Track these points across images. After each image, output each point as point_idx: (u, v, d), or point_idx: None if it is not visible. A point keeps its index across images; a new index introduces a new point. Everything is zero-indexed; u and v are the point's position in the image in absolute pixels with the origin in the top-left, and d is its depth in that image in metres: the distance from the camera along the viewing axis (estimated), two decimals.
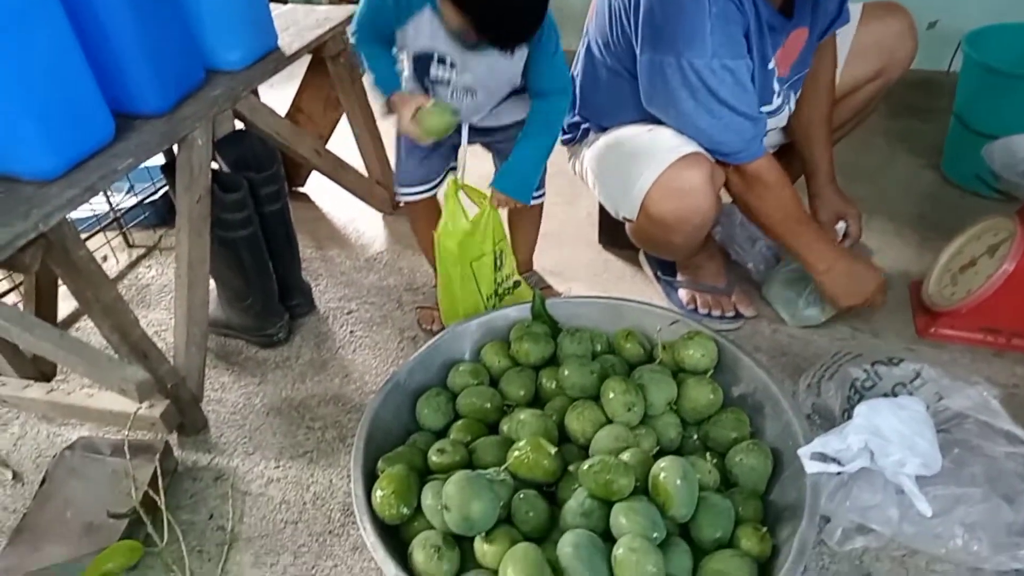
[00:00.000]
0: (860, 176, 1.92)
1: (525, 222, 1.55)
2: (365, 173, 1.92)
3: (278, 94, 1.91)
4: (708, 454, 1.11)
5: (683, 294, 1.56)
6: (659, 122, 1.32)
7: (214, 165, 1.35)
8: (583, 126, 1.49)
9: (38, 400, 1.34)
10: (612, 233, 1.70)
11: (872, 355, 1.24)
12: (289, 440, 1.33)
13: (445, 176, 1.42)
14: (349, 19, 1.68)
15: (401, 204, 1.50)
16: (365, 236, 1.88)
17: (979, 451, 1.09)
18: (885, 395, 1.17)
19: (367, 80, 1.26)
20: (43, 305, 1.41)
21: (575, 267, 1.72)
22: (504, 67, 1.20)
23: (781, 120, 1.44)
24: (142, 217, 1.89)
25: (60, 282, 1.34)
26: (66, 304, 1.54)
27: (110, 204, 1.80)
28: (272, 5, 1.48)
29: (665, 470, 0.97)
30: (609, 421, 1.12)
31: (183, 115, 1.25)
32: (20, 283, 1.51)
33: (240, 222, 1.37)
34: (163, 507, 1.14)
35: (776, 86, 1.34)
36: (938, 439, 1.04)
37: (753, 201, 1.33)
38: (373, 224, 1.92)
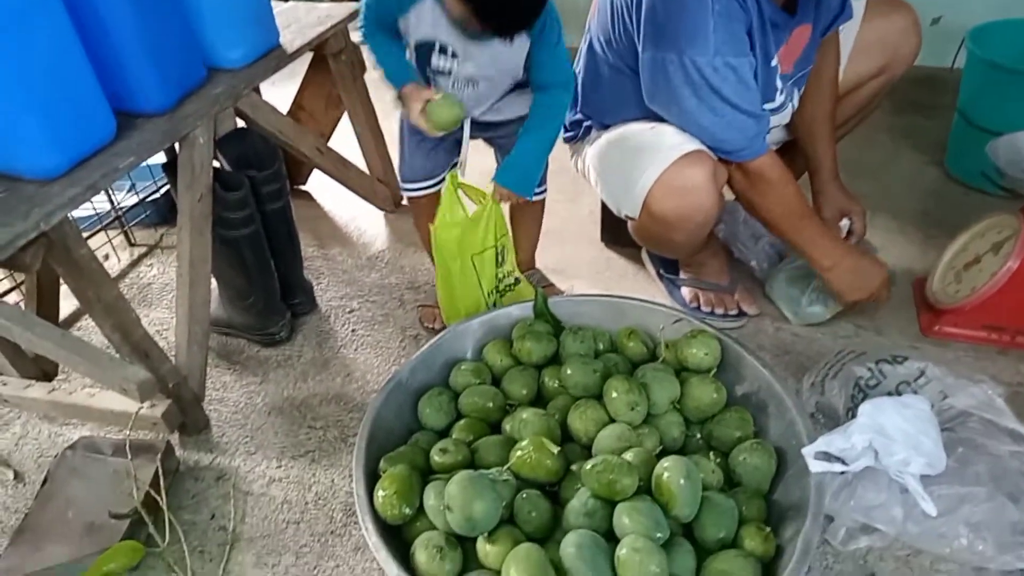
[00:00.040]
0: (863, 173, 1.91)
1: (527, 219, 1.55)
2: (367, 171, 1.91)
3: (279, 92, 1.91)
4: (711, 453, 1.10)
5: (686, 292, 1.56)
6: (661, 120, 1.31)
7: (215, 163, 1.35)
8: (585, 124, 1.49)
9: (40, 400, 1.33)
10: (614, 231, 1.69)
11: (876, 353, 1.23)
12: (291, 440, 1.32)
13: (453, 165, 1.42)
14: (351, 16, 1.68)
15: (405, 200, 1.51)
16: (367, 234, 1.87)
17: (983, 450, 1.09)
18: (889, 394, 1.16)
19: (378, 74, 1.26)
20: (44, 304, 1.41)
21: (577, 265, 1.71)
22: (506, 57, 1.20)
23: (784, 117, 1.43)
24: (143, 216, 1.88)
25: (61, 281, 1.34)
26: (67, 303, 1.54)
27: (112, 202, 1.80)
28: (273, 2, 1.47)
29: (668, 470, 0.97)
30: (612, 420, 1.11)
31: (184, 113, 1.24)
32: (22, 282, 1.51)
33: (242, 220, 1.37)
34: (165, 507, 1.14)
35: (779, 83, 1.33)
36: (942, 438, 1.04)
37: (756, 199, 1.33)
38: (375, 222, 1.91)
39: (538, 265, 1.66)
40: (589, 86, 1.44)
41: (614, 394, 1.11)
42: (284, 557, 1.13)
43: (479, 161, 1.39)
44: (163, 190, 1.90)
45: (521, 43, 1.18)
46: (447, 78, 1.24)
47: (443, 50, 1.20)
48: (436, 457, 1.07)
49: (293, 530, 1.17)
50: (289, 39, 1.53)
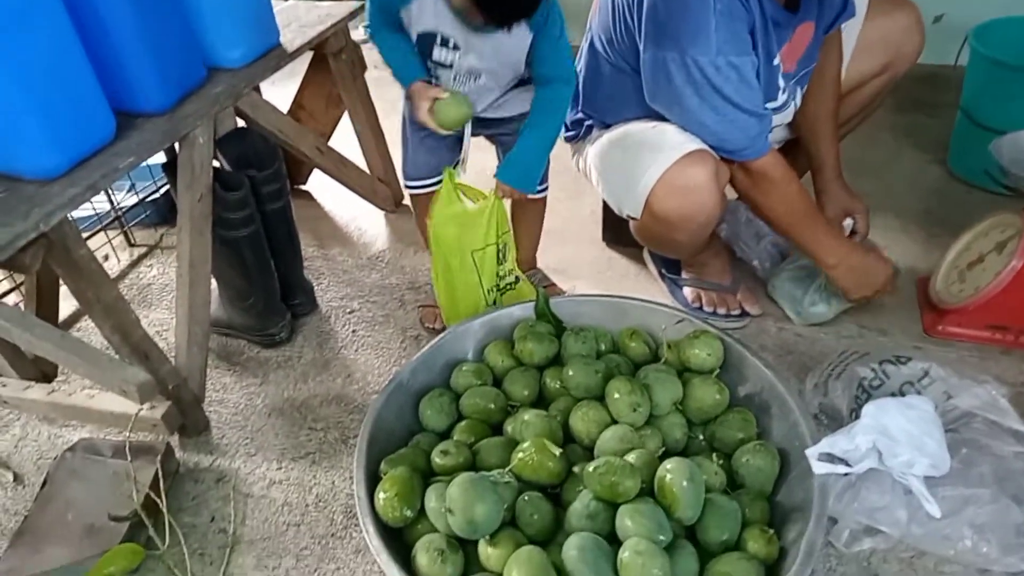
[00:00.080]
0: (865, 171, 1.90)
1: (528, 217, 1.54)
2: (367, 171, 1.91)
3: (280, 91, 1.90)
4: (714, 455, 1.09)
5: (688, 292, 1.55)
6: (663, 119, 1.30)
7: (215, 163, 1.34)
8: (586, 123, 1.48)
9: (39, 401, 1.33)
10: (616, 230, 1.69)
11: (880, 354, 1.23)
12: (291, 441, 1.32)
13: (455, 169, 1.42)
14: (351, 15, 1.68)
15: (406, 200, 1.50)
16: (367, 234, 1.86)
17: (988, 451, 1.08)
18: (893, 394, 1.16)
19: (386, 72, 1.26)
20: (44, 305, 1.41)
21: (579, 265, 1.71)
22: (508, 49, 1.19)
23: (787, 116, 1.43)
24: (143, 216, 1.88)
25: (61, 282, 1.33)
26: (67, 304, 1.53)
27: (111, 203, 1.79)
28: (273, 1, 1.46)
29: (671, 472, 0.96)
30: (614, 421, 1.11)
31: (184, 113, 1.24)
32: (21, 283, 1.51)
33: (242, 221, 1.36)
34: (164, 510, 1.13)
35: (781, 82, 1.33)
36: (946, 439, 1.03)
37: (760, 198, 1.32)
38: (375, 222, 1.91)
39: (539, 265, 1.66)
40: (590, 85, 1.43)
41: (616, 395, 1.10)
42: (285, 560, 1.12)
43: (480, 159, 1.39)
44: (163, 190, 1.89)
45: (523, 35, 1.18)
46: (449, 71, 1.24)
47: (445, 42, 1.20)
48: (437, 459, 1.07)
49: (294, 532, 1.16)
50: (289, 38, 1.52)
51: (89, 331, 1.58)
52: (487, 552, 0.94)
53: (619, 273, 1.69)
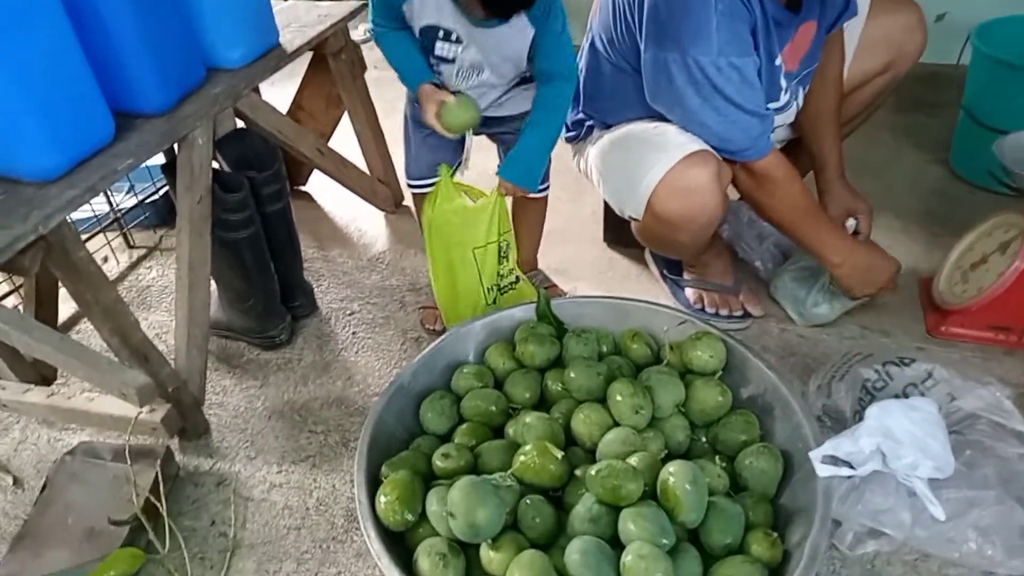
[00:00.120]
0: (867, 171, 1.89)
1: (529, 217, 1.54)
2: (367, 171, 1.90)
3: (279, 91, 1.89)
4: (717, 457, 1.09)
5: (690, 293, 1.54)
6: (664, 119, 1.30)
7: (215, 164, 1.33)
8: (587, 123, 1.48)
9: (39, 404, 1.32)
10: (617, 231, 1.68)
11: (883, 355, 1.22)
12: (291, 444, 1.31)
13: (457, 170, 1.41)
14: (351, 15, 1.67)
15: (406, 200, 1.49)
16: (367, 235, 1.86)
17: (992, 452, 1.08)
18: (896, 396, 1.15)
19: (388, 75, 1.27)
20: (43, 308, 1.40)
21: (580, 265, 1.70)
22: (510, 43, 1.19)
23: (789, 116, 1.42)
24: (142, 217, 1.87)
25: (60, 284, 1.33)
26: (66, 306, 1.53)
27: (111, 204, 1.78)
28: (273, 1, 1.46)
29: (674, 475, 0.96)
30: (616, 424, 1.10)
31: (184, 114, 1.23)
32: (20, 286, 1.50)
33: (241, 222, 1.36)
34: (165, 513, 1.13)
35: (783, 82, 1.32)
36: (950, 441, 1.03)
37: (763, 198, 1.32)
38: (375, 223, 1.90)
39: (540, 266, 1.65)
40: (591, 85, 1.43)
41: (618, 397, 1.10)
42: (285, 564, 1.12)
43: (482, 160, 1.38)
44: (162, 191, 1.89)
45: (525, 30, 1.17)
46: (452, 66, 1.24)
47: (447, 36, 1.20)
48: (438, 462, 1.06)
49: (294, 536, 1.15)
50: (289, 38, 1.52)
51: (88, 333, 1.57)
52: (489, 556, 0.94)
53: (620, 274, 1.68)
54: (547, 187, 1.48)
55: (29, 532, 1.14)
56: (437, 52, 1.23)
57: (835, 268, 1.35)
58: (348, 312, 1.61)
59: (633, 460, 1.00)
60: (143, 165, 1.19)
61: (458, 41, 1.20)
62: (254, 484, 1.24)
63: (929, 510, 0.99)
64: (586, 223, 1.80)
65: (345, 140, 1.89)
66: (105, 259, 1.77)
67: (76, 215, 1.55)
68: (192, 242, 1.27)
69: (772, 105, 1.32)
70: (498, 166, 1.33)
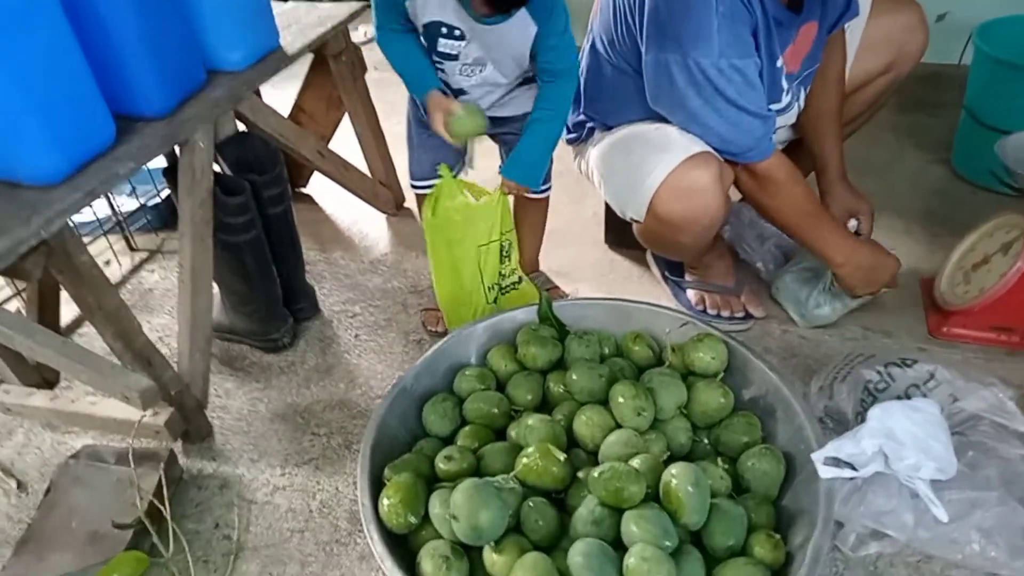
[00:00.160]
0: (868, 171, 1.89)
1: (531, 217, 1.54)
2: (368, 173, 1.90)
3: (280, 93, 1.89)
4: (719, 459, 1.09)
5: (691, 294, 1.55)
6: (665, 120, 1.30)
7: (216, 168, 1.34)
8: (588, 125, 1.48)
9: (42, 408, 1.33)
10: (619, 232, 1.68)
11: (885, 356, 1.22)
12: (294, 447, 1.31)
13: (460, 170, 1.42)
14: (351, 17, 1.67)
15: (407, 202, 1.49)
16: (369, 238, 1.86)
17: (994, 454, 1.08)
18: (898, 397, 1.15)
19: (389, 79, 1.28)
20: (46, 311, 1.40)
21: (581, 267, 1.70)
22: (513, 40, 1.20)
23: (790, 118, 1.42)
24: (145, 221, 1.87)
25: (63, 287, 1.33)
26: (69, 308, 1.53)
27: (113, 207, 1.79)
28: (273, 3, 1.46)
29: (676, 477, 0.96)
30: (618, 426, 1.10)
31: (184, 117, 1.23)
32: (23, 289, 1.50)
33: (243, 226, 1.36)
34: (168, 517, 1.13)
35: (785, 84, 1.32)
36: (953, 442, 1.03)
37: (765, 199, 1.32)
38: (377, 225, 1.90)
39: (542, 267, 1.65)
40: (592, 86, 1.43)
41: (620, 399, 1.10)
42: (289, 567, 1.12)
43: (483, 161, 1.38)
44: (164, 194, 1.89)
45: (528, 27, 1.18)
46: (455, 63, 1.24)
47: (450, 33, 1.20)
48: (441, 465, 1.06)
49: (298, 539, 1.16)
50: (289, 40, 1.52)
51: (91, 336, 1.57)
52: (492, 558, 0.94)
53: (622, 275, 1.68)
54: (549, 187, 1.48)
55: (33, 536, 1.14)
56: (440, 49, 1.24)
57: (838, 268, 1.35)
58: (350, 315, 1.61)
59: (635, 462, 1.00)
60: (145, 168, 1.19)
61: (461, 37, 1.21)
62: (257, 487, 1.24)
63: (932, 511, 0.99)
64: (587, 225, 1.81)
65: (346, 142, 1.89)
66: (107, 262, 1.77)
67: (78, 218, 1.56)
68: (194, 246, 1.27)
69: (774, 106, 1.32)
70: (500, 166, 1.34)
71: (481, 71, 1.25)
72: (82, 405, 1.31)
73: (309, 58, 1.72)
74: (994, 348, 1.39)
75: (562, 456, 1.03)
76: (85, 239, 1.69)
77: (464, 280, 1.36)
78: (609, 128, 1.43)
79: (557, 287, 1.61)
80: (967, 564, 1.02)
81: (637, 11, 1.22)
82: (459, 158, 1.41)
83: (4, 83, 0.98)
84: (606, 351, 1.25)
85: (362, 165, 1.88)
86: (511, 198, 1.38)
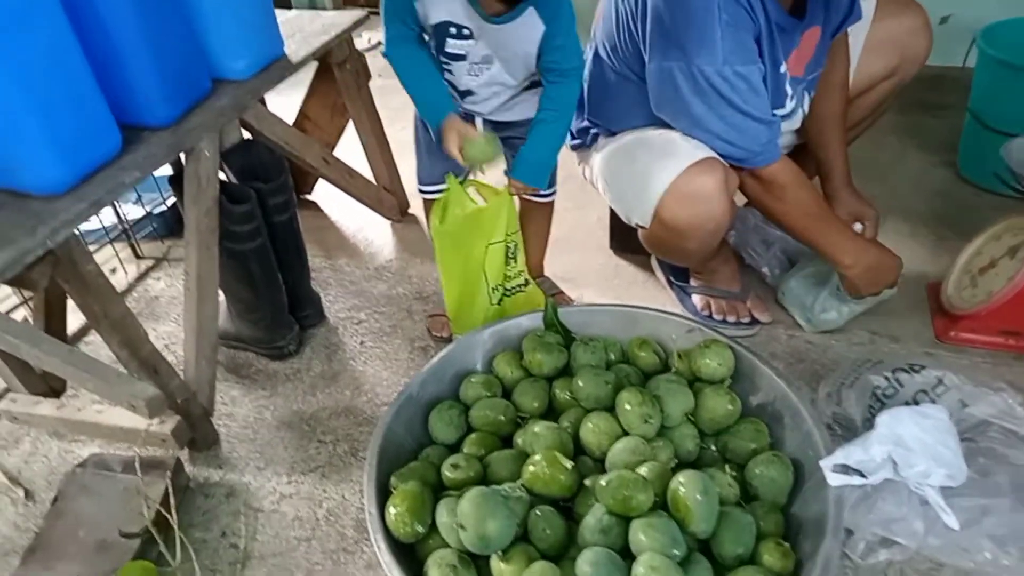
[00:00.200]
0: (872, 174, 1.89)
1: (536, 222, 1.54)
2: (373, 180, 1.90)
3: (285, 100, 1.90)
4: (727, 466, 1.08)
5: (697, 300, 1.54)
6: (669, 126, 1.30)
7: (221, 176, 1.34)
8: (592, 131, 1.48)
9: (49, 417, 1.33)
10: (623, 238, 1.68)
11: (893, 362, 1.22)
12: (301, 454, 1.31)
13: (467, 174, 1.42)
14: (355, 24, 1.67)
15: (411, 208, 1.48)
16: (374, 244, 1.86)
17: (1004, 460, 1.07)
18: (907, 403, 1.15)
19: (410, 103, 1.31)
20: (52, 320, 1.40)
21: (586, 273, 1.70)
22: (521, 39, 1.20)
23: (795, 123, 1.42)
24: (150, 228, 1.88)
25: (69, 296, 1.33)
26: (75, 316, 1.53)
27: (118, 216, 1.79)
28: (277, 11, 1.46)
29: (684, 485, 0.95)
30: (625, 433, 1.10)
31: (190, 126, 1.23)
32: (30, 298, 1.51)
33: (248, 234, 1.36)
34: (175, 525, 1.13)
35: (789, 89, 1.32)
36: (962, 448, 1.02)
37: (772, 204, 1.31)
38: (382, 232, 1.90)
39: (547, 273, 1.65)
40: (596, 93, 1.43)
41: (627, 406, 1.09)
42: (296, 575, 1.12)
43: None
44: (169, 202, 1.89)
45: (536, 26, 1.18)
46: (463, 63, 1.25)
47: (459, 32, 1.21)
48: (448, 473, 1.06)
49: (305, 547, 1.15)
50: (293, 49, 1.52)
51: (98, 344, 1.57)
52: (499, 568, 0.94)
53: (627, 281, 1.68)
54: (554, 191, 1.48)
55: (40, 545, 1.14)
56: (448, 49, 1.24)
57: (847, 269, 1.34)
58: (356, 321, 1.61)
59: (643, 470, 1.00)
60: (150, 175, 1.19)
61: (470, 37, 1.21)
62: (264, 495, 1.24)
63: (942, 519, 0.98)
64: (592, 230, 1.80)
65: (350, 149, 1.89)
66: (113, 270, 1.78)
67: (84, 226, 1.55)
68: (200, 254, 1.27)
69: (778, 112, 1.31)
70: (505, 169, 1.34)
71: (488, 68, 1.25)
72: (89, 414, 1.31)
73: (313, 66, 1.72)
74: (1002, 352, 1.38)
75: (569, 464, 1.03)
76: (91, 247, 1.71)
77: (475, 288, 1.36)
78: (613, 134, 1.43)
79: (562, 292, 1.61)
80: (979, 572, 1.01)
81: (640, 18, 1.22)
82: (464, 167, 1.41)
83: (10, 95, 0.98)
84: (612, 357, 1.25)
85: (366, 172, 1.88)
86: (517, 200, 1.38)
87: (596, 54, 1.39)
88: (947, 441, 1.00)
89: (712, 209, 1.24)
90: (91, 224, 1.77)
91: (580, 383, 1.16)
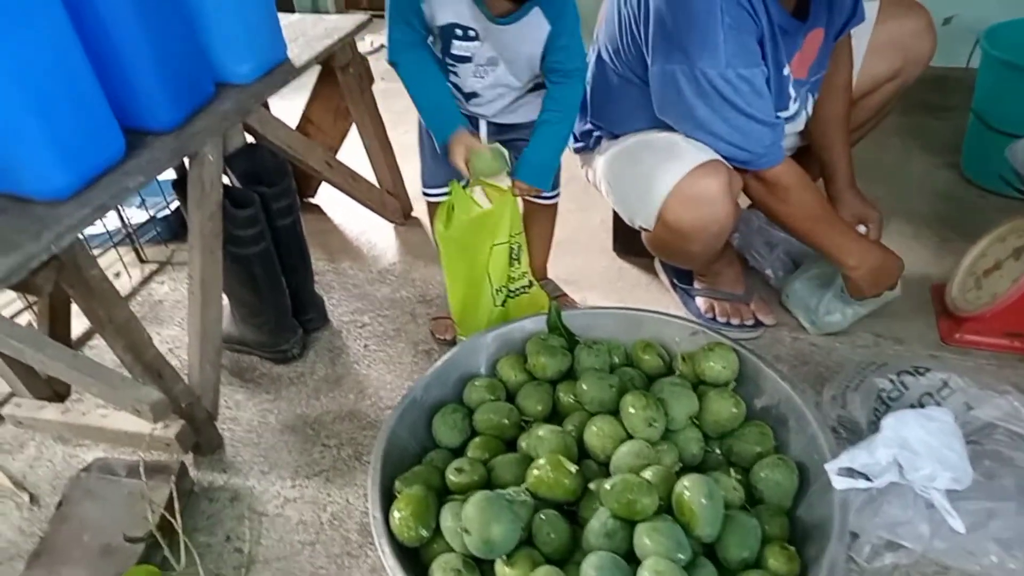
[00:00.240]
0: (876, 176, 1.88)
1: (540, 224, 1.54)
2: (376, 183, 1.91)
3: (288, 104, 1.90)
4: (732, 469, 1.08)
5: (701, 302, 1.54)
6: (672, 129, 1.30)
7: (225, 180, 1.34)
8: (595, 134, 1.48)
9: (53, 421, 1.33)
10: (627, 240, 1.68)
11: (898, 365, 1.21)
12: (305, 458, 1.31)
13: (468, 180, 1.42)
14: (358, 28, 1.68)
15: (415, 211, 1.48)
16: (377, 247, 1.86)
17: (1011, 463, 1.07)
18: (912, 406, 1.14)
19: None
20: (57, 325, 1.41)
21: (590, 275, 1.70)
22: (526, 40, 1.20)
23: (798, 125, 1.42)
24: (154, 232, 1.88)
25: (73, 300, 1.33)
26: (80, 321, 1.53)
27: (122, 220, 1.79)
28: (280, 15, 1.46)
29: (689, 489, 0.95)
30: (629, 436, 1.09)
31: (193, 130, 1.24)
32: (34, 302, 1.51)
33: (252, 238, 1.36)
34: (180, 530, 1.13)
35: (792, 92, 1.32)
36: (968, 451, 1.01)
37: (776, 205, 1.31)
38: (385, 235, 1.90)
39: (550, 275, 1.65)
40: (598, 96, 1.43)
41: (631, 410, 1.09)
42: None
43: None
44: (173, 206, 1.90)
45: (541, 26, 1.19)
46: (469, 64, 1.25)
47: (465, 34, 1.21)
48: (452, 477, 1.06)
49: (309, 552, 1.15)
50: (296, 53, 1.52)
51: (102, 348, 1.58)
52: (504, 572, 0.94)
53: (630, 283, 1.68)
54: (558, 194, 1.48)
55: (45, 549, 1.14)
56: (454, 51, 1.24)
57: (852, 271, 1.34)
58: (359, 325, 1.61)
59: (647, 473, 1.00)
60: (154, 180, 1.19)
61: (475, 38, 1.22)
62: (268, 499, 1.24)
63: (948, 522, 0.98)
64: (595, 233, 1.80)
65: (353, 152, 1.90)
66: (117, 274, 1.78)
67: (88, 231, 1.56)
68: (204, 258, 1.28)
69: (782, 114, 1.31)
70: (509, 170, 1.34)
71: (494, 70, 1.26)
72: (93, 418, 1.31)
73: (316, 69, 1.72)
74: (1007, 354, 1.38)
75: (573, 468, 1.03)
76: (95, 251, 1.71)
77: (477, 288, 1.36)
78: (616, 137, 1.43)
79: (565, 295, 1.61)
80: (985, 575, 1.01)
81: (642, 21, 1.22)
82: None
83: (14, 101, 0.98)
84: (616, 360, 1.25)
85: (370, 175, 1.88)
86: (520, 202, 1.38)
87: (599, 57, 1.39)
88: (952, 444, 1.00)
89: (716, 211, 1.24)
90: (95, 228, 1.77)
91: (584, 386, 1.16)
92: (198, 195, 1.26)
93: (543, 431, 1.11)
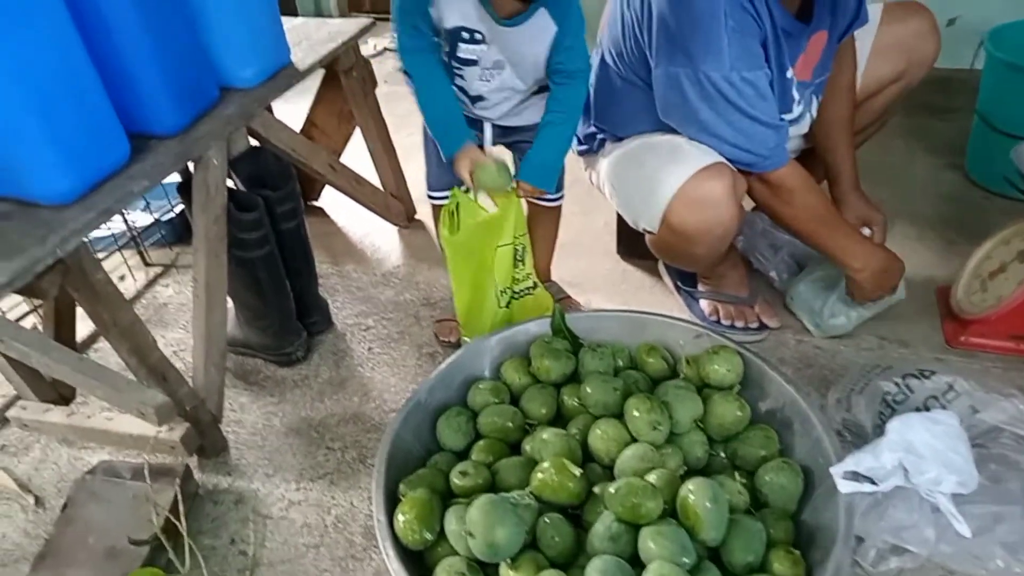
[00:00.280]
0: (880, 178, 1.88)
1: (544, 226, 1.54)
2: (379, 186, 1.91)
3: (292, 108, 1.90)
4: (736, 473, 1.08)
5: (705, 305, 1.54)
6: (676, 132, 1.30)
7: (229, 183, 1.34)
8: (599, 136, 1.48)
9: (58, 424, 1.33)
10: (630, 243, 1.68)
11: (903, 368, 1.21)
12: (309, 461, 1.31)
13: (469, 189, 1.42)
14: (361, 32, 1.68)
15: (418, 214, 1.47)
16: (381, 250, 1.87)
17: (1016, 466, 1.07)
18: (917, 409, 1.14)
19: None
20: (62, 328, 1.41)
21: (593, 278, 1.70)
22: (532, 41, 1.21)
23: (802, 128, 1.42)
24: (159, 235, 1.89)
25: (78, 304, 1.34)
26: (85, 324, 1.54)
27: (127, 223, 1.80)
28: (284, 19, 1.47)
29: (694, 492, 0.95)
30: (633, 439, 1.09)
31: (198, 134, 1.24)
32: (39, 306, 1.51)
33: (256, 242, 1.37)
34: (184, 532, 1.13)
35: (796, 94, 1.31)
36: (973, 454, 1.01)
37: (780, 208, 1.31)
38: (389, 238, 1.91)
39: (554, 277, 1.65)
40: (602, 99, 1.43)
41: (635, 413, 1.09)
42: None
43: None
44: (178, 209, 1.90)
45: (547, 28, 1.19)
46: (475, 67, 1.25)
47: (472, 37, 1.22)
48: (456, 480, 1.06)
49: (313, 555, 1.16)
50: (300, 56, 1.52)
51: (107, 351, 1.58)
52: None
53: (634, 286, 1.68)
54: (562, 196, 1.48)
55: (50, 551, 1.15)
56: (460, 54, 1.24)
57: (856, 273, 1.34)
58: (363, 327, 1.61)
59: (652, 477, 1.00)
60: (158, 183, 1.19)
61: (482, 41, 1.22)
62: (272, 502, 1.25)
63: (954, 526, 0.97)
64: (599, 235, 1.80)
65: (357, 155, 1.90)
66: (122, 277, 1.79)
67: (93, 234, 1.56)
68: (208, 262, 1.28)
69: (786, 117, 1.31)
70: (514, 172, 1.34)
71: (500, 73, 1.26)
72: (98, 421, 1.31)
73: (320, 73, 1.73)
74: (1013, 357, 1.37)
75: (578, 471, 1.03)
76: (100, 254, 1.72)
77: (481, 290, 1.36)
78: (620, 140, 1.43)
79: (569, 297, 1.61)
80: None
81: (645, 25, 1.22)
82: None
83: (19, 106, 0.98)
84: (620, 364, 1.25)
85: (373, 178, 1.89)
86: (524, 204, 1.38)
87: (602, 60, 1.39)
88: (958, 447, 0.99)
89: (720, 214, 1.24)
90: (99, 231, 1.77)
91: (588, 389, 1.16)
92: (203, 199, 1.27)
93: (547, 434, 1.10)
